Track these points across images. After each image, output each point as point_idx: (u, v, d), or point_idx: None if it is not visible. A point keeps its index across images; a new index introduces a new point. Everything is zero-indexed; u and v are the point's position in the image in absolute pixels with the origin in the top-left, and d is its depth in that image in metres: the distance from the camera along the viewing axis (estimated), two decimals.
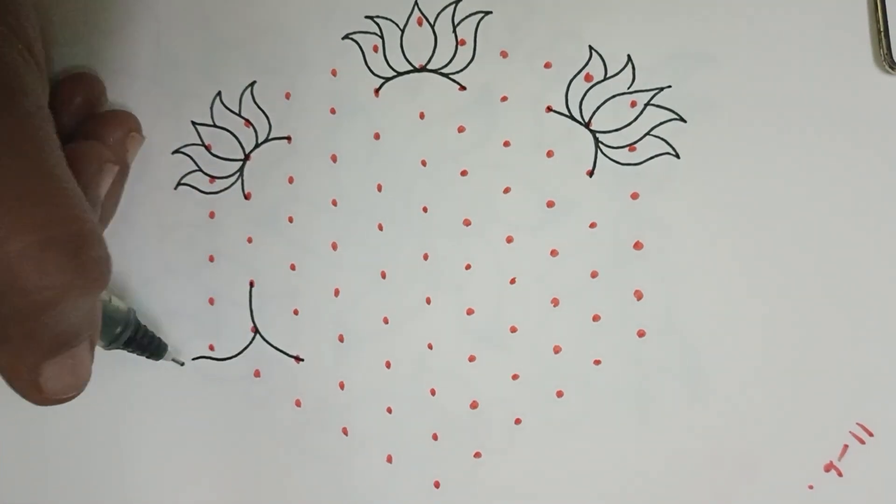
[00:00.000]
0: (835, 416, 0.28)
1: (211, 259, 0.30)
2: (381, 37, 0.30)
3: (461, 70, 0.30)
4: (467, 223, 0.30)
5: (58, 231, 0.20)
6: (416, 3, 0.30)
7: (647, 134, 0.29)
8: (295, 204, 0.30)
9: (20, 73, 0.22)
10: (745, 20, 0.29)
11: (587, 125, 0.29)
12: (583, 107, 0.29)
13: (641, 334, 0.29)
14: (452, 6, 0.30)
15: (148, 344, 0.29)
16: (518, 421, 0.29)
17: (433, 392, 0.30)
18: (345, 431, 0.30)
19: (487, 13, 0.30)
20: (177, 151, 0.31)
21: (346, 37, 0.30)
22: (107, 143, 0.28)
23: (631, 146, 0.29)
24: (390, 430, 0.30)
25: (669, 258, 0.29)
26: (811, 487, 0.28)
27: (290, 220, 0.30)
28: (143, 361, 0.29)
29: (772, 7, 0.29)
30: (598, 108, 0.29)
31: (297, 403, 0.30)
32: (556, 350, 0.29)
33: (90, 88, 0.29)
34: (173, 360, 0.30)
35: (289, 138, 0.30)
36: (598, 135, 0.29)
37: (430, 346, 0.30)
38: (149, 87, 0.31)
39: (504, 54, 0.30)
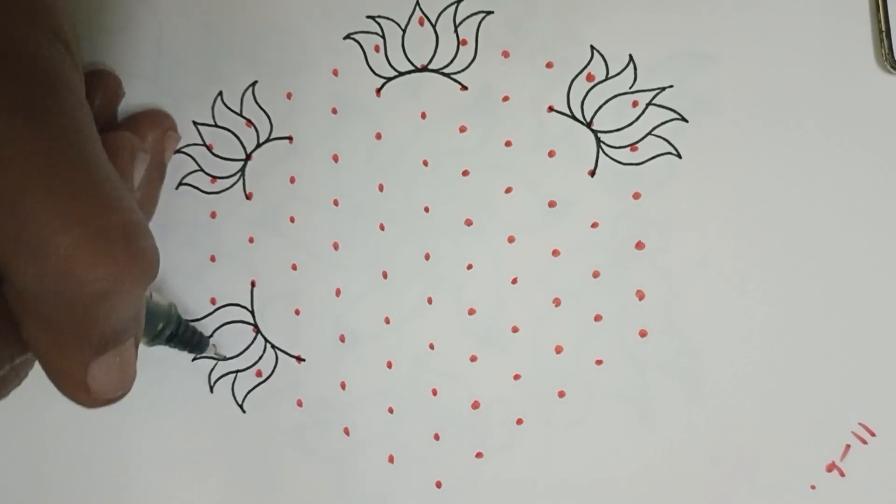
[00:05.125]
0: (836, 416, 0.28)
1: (212, 259, 0.30)
2: (383, 36, 0.30)
3: (463, 70, 0.30)
4: (469, 223, 0.30)
5: (109, 221, 0.20)
6: (417, 3, 0.30)
7: (649, 134, 0.29)
8: (296, 204, 0.30)
9: (66, 71, 0.22)
10: (746, 20, 0.29)
11: (589, 125, 0.29)
12: (584, 107, 0.29)
13: (643, 334, 0.29)
14: (454, 6, 0.30)
15: (190, 339, 0.28)
16: (519, 421, 0.29)
17: (434, 392, 0.30)
18: (346, 431, 0.30)
19: (489, 13, 0.30)
20: (178, 151, 0.31)
21: (347, 36, 0.30)
22: (145, 143, 0.28)
23: (633, 146, 0.29)
24: (392, 431, 0.30)
25: (671, 258, 0.29)
26: (813, 488, 0.28)
27: (292, 220, 0.30)
28: (142, 362, 0.29)
29: (773, 7, 0.29)
30: (600, 107, 0.29)
31: (299, 403, 0.30)
32: (558, 350, 0.29)
33: (108, 85, 0.29)
34: (215, 354, 0.29)
35: (290, 138, 0.30)
36: (599, 134, 0.29)
37: (431, 346, 0.30)
38: (149, 87, 0.30)
39: (506, 54, 0.30)
